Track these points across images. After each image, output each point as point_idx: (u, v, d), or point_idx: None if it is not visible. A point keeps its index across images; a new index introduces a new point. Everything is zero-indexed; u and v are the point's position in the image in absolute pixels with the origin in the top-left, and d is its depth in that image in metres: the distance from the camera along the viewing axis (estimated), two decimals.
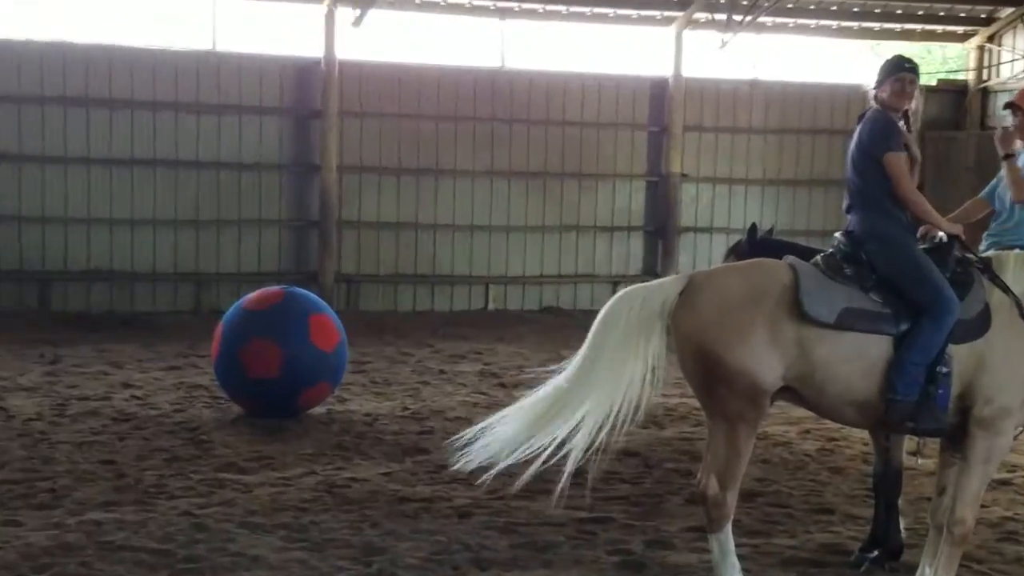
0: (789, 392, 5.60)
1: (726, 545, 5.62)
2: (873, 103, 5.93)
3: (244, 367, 9.80)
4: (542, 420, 5.63)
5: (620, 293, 5.76)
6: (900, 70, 5.88)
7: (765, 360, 5.42)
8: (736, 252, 7.65)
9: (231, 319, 10.13)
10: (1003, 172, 6.85)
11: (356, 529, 6.89)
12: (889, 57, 6.02)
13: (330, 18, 17.25)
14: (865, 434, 9.43)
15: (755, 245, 7.46)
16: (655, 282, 5.82)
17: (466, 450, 5.71)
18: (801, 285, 5.49)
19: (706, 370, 5.49)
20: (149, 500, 7.42)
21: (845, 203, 6.02)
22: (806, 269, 5.65)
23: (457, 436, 5.83)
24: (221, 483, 7.89)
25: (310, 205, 17.65)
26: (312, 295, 10.78)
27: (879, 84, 5.89)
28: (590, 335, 5.67)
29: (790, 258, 5.84)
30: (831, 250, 5.91)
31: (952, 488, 5.62)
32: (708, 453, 5.72)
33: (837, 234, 5.97)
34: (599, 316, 5.69)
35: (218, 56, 17.15)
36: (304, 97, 17.60)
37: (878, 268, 5.67)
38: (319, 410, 10.36)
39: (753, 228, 7.69)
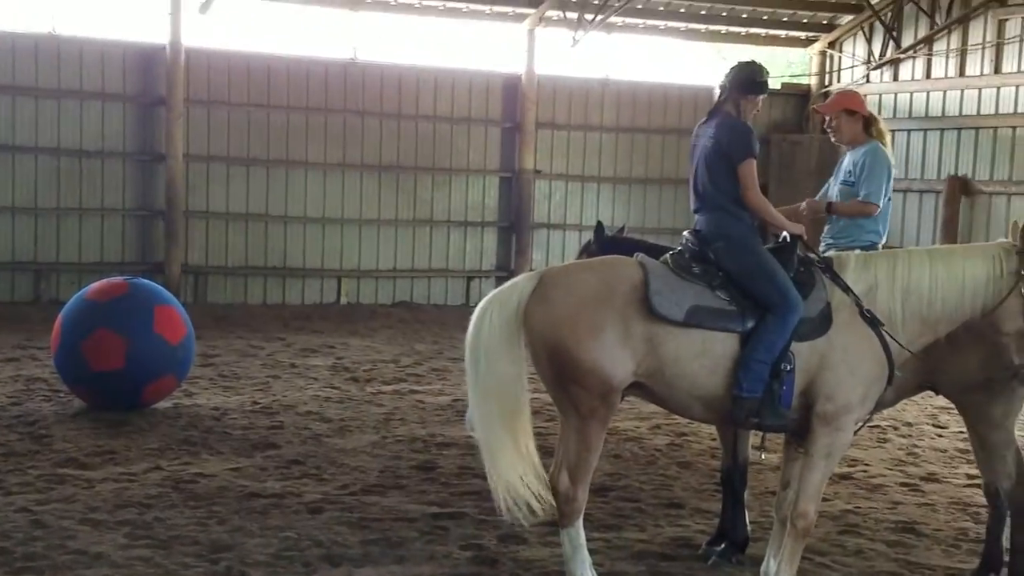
0: (639, 388, 5.69)
1: (577, 539, 5.68)
2: (727, 106, 6.03)
3: (86, 359, 9.52)
4: (506, 455, 5.63)
5: (480, 304, 5.75)
6: (767, 90, 6.08)
7: (616, 357, 5.49)
8: (588, 251, 7.70)
9: (72, 310, 9.83)
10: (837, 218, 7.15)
11: (203, 526, 6.75)
12: (752, 67, 6.07)
13: (176, 3, 16.83)
14: (713, 430, 9.62)
15: (604, 244, 7.52)
16: (508, 283, 5.83)
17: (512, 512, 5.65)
18: (650, 283, 5.57)
19: (558, 366, 5.53)
20: None
21: (693, 204, 6.14)
22: (655, 267, 5.74)
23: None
24: (61, 479, 7.65)
25: (156, 194, 17.22)
26: (157, 286, 10.55)
27: (743, 92, 5.97)
28: (467, 356, 5.67)
29: (640, 256, 5.94)
30: (680, 248, 6.03)
31: (796, 482, 5.79)
32: (560, 448, 5.77)
33: (685, 233, 6.08)
34: (468, 333, 5.67)
35: (58, 39, 16.60)
36: (149, 84, 17.15)
37: (725, 266, 5.80)
38: (165, 404, 10.12)
39: (599, 227, 7.68)
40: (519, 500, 5.61)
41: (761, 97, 6.07)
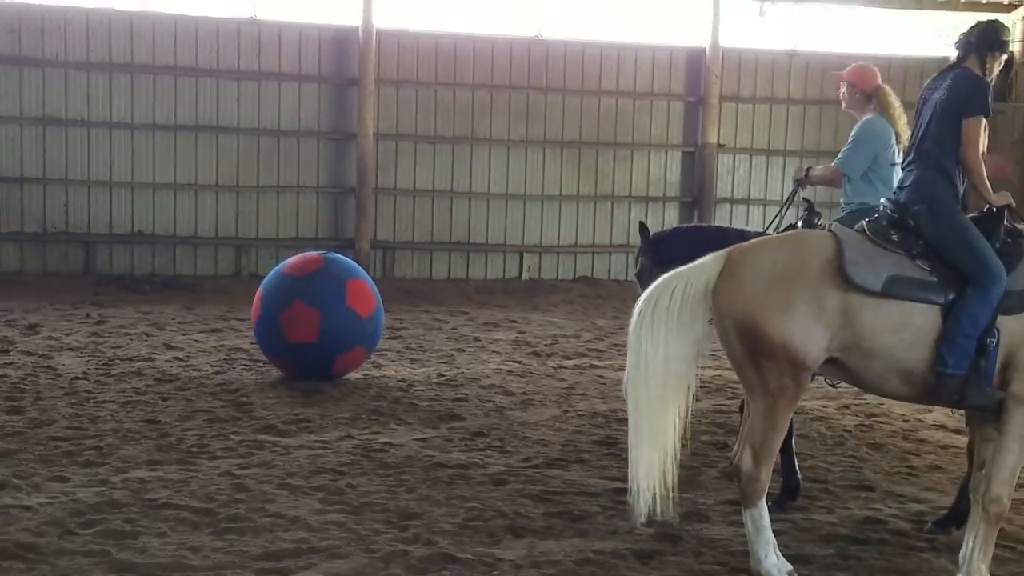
0: (833, 364, 5.53)
1: (760, 520, 5.58)
2: (969, 62, 5.86)
3: (283, 331, 9.89)
4: (654, 433, 5.62)
5: (662, 278, 5.72)
6: (1009, 49, 5.96)
7: (809, 333, 5.35)
8: (639, 257, 7.50)
9: (271, 283, 10.22)
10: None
11: (392, 493, 6.95)
12: (996, 24, 5.95)
13: None
14: (906, 409, 9.42)
15: (651, 243, 7.37)
16: (695, 264, 5.72)
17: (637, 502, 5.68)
18: (845, 252, 5.41)
19: (749, 344, 5.43)
20: (191, 460, 7.52)
21: (905, 159, 5.95)
22: (850, 236, 5.58)
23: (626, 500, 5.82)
24: (261, 444, 7.99)
25: (347, 172, 17.75)
26: (349, 261, 10.86)
27: (989, 49, 5.85)
28: (636, 326, 5.61)
29: (834, 226, 5.81)
30: (877, 215, 5.85)
31: (989, 465, 5.55)
32: (744, 427, 5.70)
33: (883, 199, 5.93)
34: (641, 304, 5.64)
35: (258, 23, 17.26)
36: (342, 65, 17.66)
37: (924, 233, 5.58)
38: (356, 375, 10.45)
39: (642, 227, 7.50)
40: (660, 478, 5.57)
41: (1004, 56, 5.92)
